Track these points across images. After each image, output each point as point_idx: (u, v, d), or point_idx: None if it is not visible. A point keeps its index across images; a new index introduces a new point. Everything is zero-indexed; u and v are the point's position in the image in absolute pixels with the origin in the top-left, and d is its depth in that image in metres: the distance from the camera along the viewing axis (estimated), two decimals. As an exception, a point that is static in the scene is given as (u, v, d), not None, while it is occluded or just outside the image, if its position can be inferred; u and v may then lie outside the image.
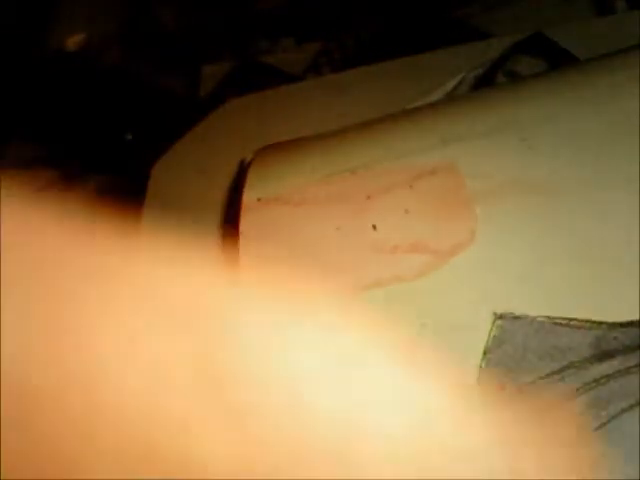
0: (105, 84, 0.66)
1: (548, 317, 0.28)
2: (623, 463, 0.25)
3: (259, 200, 0.33)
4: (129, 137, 0.66)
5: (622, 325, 0.27)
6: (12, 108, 0.66)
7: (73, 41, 0.67)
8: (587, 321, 0.27)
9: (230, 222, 0.39)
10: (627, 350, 0.27)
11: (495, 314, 0.28)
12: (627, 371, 0.26)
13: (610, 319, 0.27)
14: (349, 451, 0.11)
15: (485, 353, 0.28)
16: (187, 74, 0.67)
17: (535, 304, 0.28)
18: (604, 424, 0.26)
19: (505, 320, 0.28)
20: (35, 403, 0.11)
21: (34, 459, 0.11)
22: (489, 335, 0.28)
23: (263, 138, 0.41)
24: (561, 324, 0.28)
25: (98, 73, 0.67)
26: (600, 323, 0.27)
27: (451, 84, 0.45)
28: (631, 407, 0.26)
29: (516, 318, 0.28)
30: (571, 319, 0.28)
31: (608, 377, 0.27)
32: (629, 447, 0.25)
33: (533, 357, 0.27)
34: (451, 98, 0.44)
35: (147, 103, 0.66)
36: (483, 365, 0.28)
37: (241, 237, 0.32)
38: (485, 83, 0.45)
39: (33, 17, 0.66)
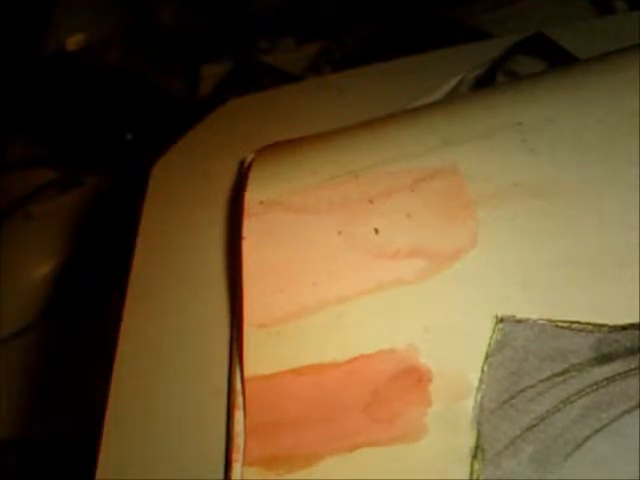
0: (105, 84, 0.66)
1: (549, 320, 0.28)
2: (623, 464, 0.25)
3: (261, 203, 0.34)
4: (129, 137, 0.66)
5: (623, 328, 0.27)
6: (12, 108, 0.66)
7: (73, 41, 0.67)
8: (588, 324, 0.28)
9: (231, 224, 0.40)
10: (628, 353, 0.27)
11: (497, 317, 0.28)
12: (628, 374, 0.27)
13: (611, 322, 0.27)
14: None
15: (487, 356, 0.28)
16: (187, 74, 0.67)
17: (536, 307, 0.28)
18: (605, 426, 0.26)
19: (507, 323, 0.28)
20: None
21: None
22: (491, 338, 0.28)
23: (263, 138, 0.41)
24: (562, 327, 0.28)
25: (98, 73, 0.67)
26: (601, 326, 0.27)
27: (451, 84, 0.45)
28: (632, 409, 0.26)
29: (518, 321, 0.28)
30: (572, 322, 0.28)
31: (609, 380, 0.27)
32: (629, 448, 0.26)
33: (534, 360, 0.27)
34: (451, 98, 0.44)
35: (147, 103, 0.66)
36: (485, 369, 0.28)
37: (244, 242, 0.32)
38: (485, 83, 0.46)
39: (33, 17, 0.66)
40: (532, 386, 0.27)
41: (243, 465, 0.29)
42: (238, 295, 0.33)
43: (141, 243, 0.42)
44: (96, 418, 0.34)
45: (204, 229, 0.41)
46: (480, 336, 0.28)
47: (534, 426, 0.27)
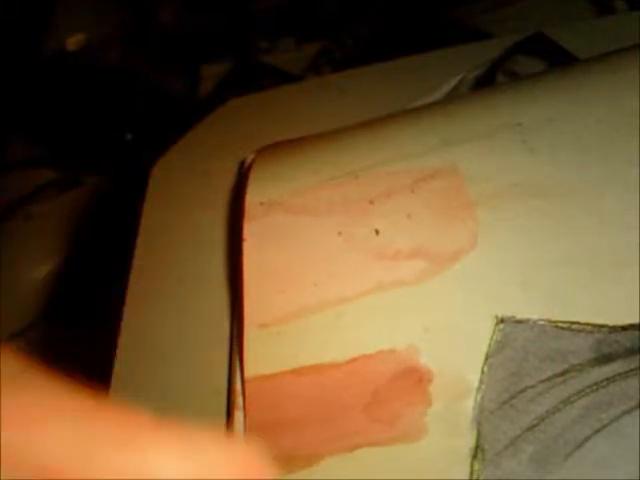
0: (105, 84, 0.66)
1: (549, 320, 0.28)
2: (623, 464, 0.25)
3: (262, 204, 0.34)
4: (129, 137, 0.66)
5: (623, 328, 0.27)
6: (12, 108, 0.66)
7: (73, 41, 0.67)
8: (588, 324, 0.28)
9: (232, 225, 0.40)
10: (628, 353, 0.27)
11: (497, 318, 0.28)
12: (628, 374, 0.27)
13: (611, 322, 0.27)
14: None
15: (487, 357, 0.28)
16: (187, 74, 0.67)
17: (536, 307, 0.28)
18: (605, 426, 0.26)
19: (507, 324, 0.28)
20: None
21: None
22: (491, 339, 0.28)
23: (263, 138, 0.41)
24: (562, 327, 0.28)
25: (98, 73, 0.67)
26: (601, 326, 0.27)
27: (451, 84, 0.45)
28: (631, 409, 0.26)
29: (518, 322, 0.28)
30: (572, 322, 0.28)
31: (609, 380, 0.27)
32: (629, 448, 0.26)
33: (535, 360, 0.27)
34: (451, 98, 0.44)
35: (147, 103, 0.66)
36: (485, 369, 0.28)
37: (244, 244, 0.32)
38: (485, 83, 0.46)
39: (33, 17, 0.66)
40: (532, 386, 0.27)
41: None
42: (238, 295, 0.33)
43: (141, 243, 0.42)
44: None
45: (204, 229, 0.41)
46: (480, 336, 0.28)
47: (534, 426, 0.27)
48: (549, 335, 0.28)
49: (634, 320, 0.27)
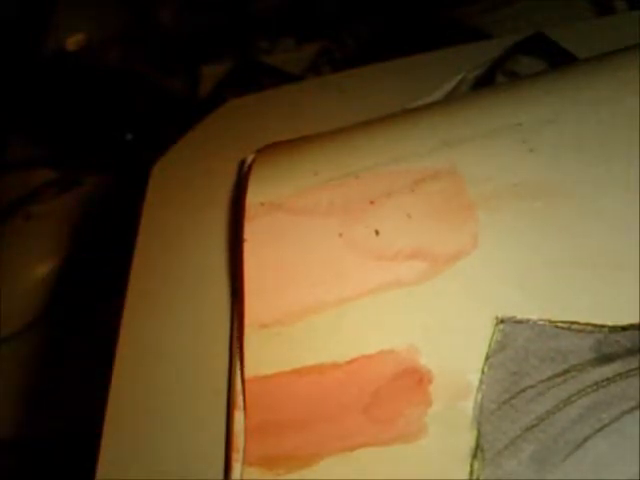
0: (105, 84, 0.66)
1: (549, 320, 0.28)
2: (623, 464, 0.25)
3: (262, 205, 0.34)
4: (129, 137, 0.66)
5: (623, 328, 0.27)
6: (12, 108, 0.66)
7: (73, 41, 0.67)
8: (588, 324, 0.28)
9: (232, 225, 0.40)
10: (628, 353, 0.27)
11: (497, 318, 0.28)
12: (628, 374, 0.27)
13: (611, 322, 0.27)
14: None
15: (487, 357, 0.28)
16: (187, 74, 0.67)
17: (536, 308, 0.28)
18: (605, 426, 0.26)
19: (507, 324, 0.28)
20: None
21: None
22: (491, 339, 0.28)
23: (263, 138, 0.41)
24: (562, 327, 0.28)
25: (98, 73, 0.67)
26: (601, 326, 0.27)
27: (451, 84, 0.45)
28: (632, 409, 0.26)
29: (518, 322, 0.28)
30: (572, 322, 0.28)
31: (609, 380, 0.27)
32: (629, 448, 0.26)
33: (535, 360, 0.28)
34: (451, 98, 0.44)
35: (147, 103, 0.66)
36: (485, 369, 0.28)
37: (245, 244, 0.32)
38: (485, 83, 0.46)
39: (33, 17, 0.66)
40: (532, 386, 0.27)
41: (243, 465, 0.29)
42: (239, 295, 0.33)
43: (141, 243, 0.42)
44: (96, 418, 0.34)
45: (204, 229, 0.41)
46: (480, 337, 0.28)
47: (534, 426, 0.27)
48: (549, 335, 0.28)
49: (634, 320, 0.27)
